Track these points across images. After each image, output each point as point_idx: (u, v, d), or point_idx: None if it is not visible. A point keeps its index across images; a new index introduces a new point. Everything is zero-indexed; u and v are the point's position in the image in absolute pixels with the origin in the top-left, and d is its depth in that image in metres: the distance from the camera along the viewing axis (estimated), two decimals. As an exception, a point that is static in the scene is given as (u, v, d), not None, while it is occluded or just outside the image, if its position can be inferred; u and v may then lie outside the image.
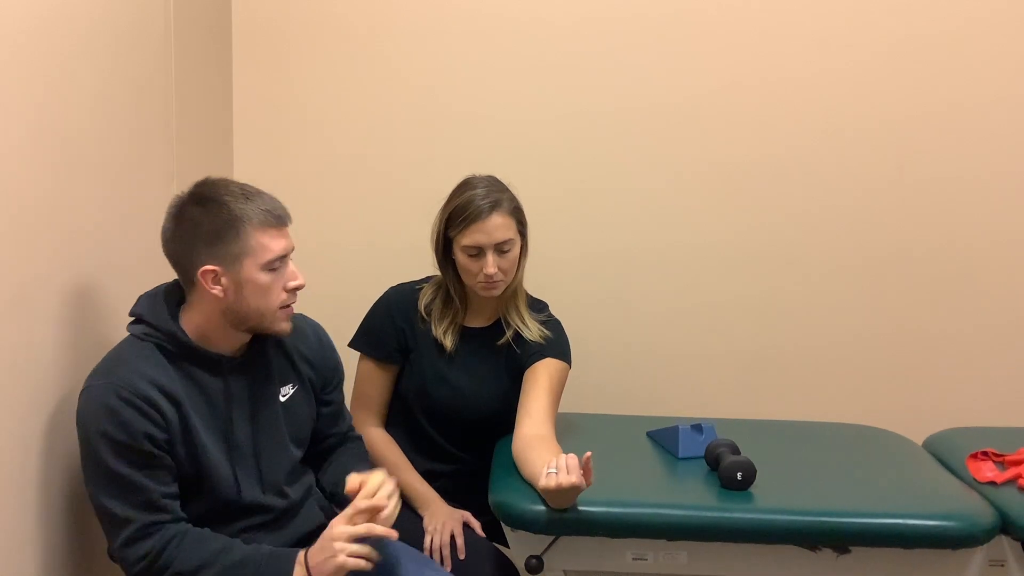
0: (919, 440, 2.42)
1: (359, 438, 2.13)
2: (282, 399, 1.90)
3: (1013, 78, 2.78)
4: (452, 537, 2.17)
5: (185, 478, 1.76)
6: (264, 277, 1.76)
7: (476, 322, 2.34)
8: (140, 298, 1.84)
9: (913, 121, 2.80)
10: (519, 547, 1.98)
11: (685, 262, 2.87)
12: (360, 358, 2.34)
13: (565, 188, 2.83)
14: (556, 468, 1.84)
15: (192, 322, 1.80)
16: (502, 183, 2.26)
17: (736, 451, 2.06)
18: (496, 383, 2.31)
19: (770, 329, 2.90)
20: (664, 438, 2.26)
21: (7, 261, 1.66)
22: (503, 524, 1.99)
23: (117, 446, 1.68)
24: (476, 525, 2.24)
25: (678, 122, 2.82)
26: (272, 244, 1.76)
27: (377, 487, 1.76)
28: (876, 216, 2.84)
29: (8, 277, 1.66)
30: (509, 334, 2.31)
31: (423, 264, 2.33)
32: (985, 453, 2.22)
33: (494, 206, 2.19)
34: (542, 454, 1.99)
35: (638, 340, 2.90)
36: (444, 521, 2.20)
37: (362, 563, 1.71)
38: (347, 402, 2.16)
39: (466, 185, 2.25)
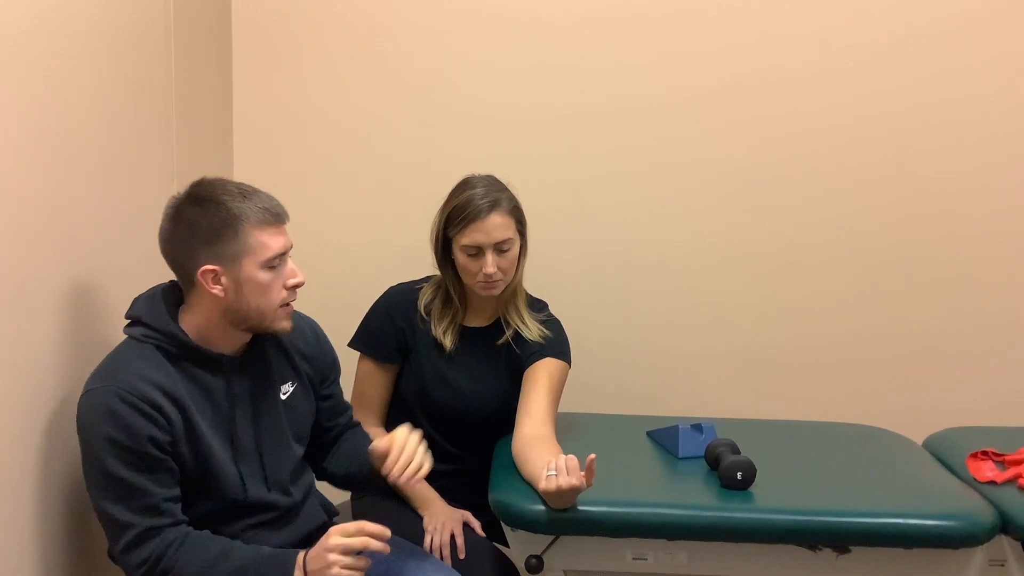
0: (919, 440, 2.42)
1: (359, 424, 2.13)
2: (283, 397, 1.90)
3: (1013, 78, 2.78)
4: (452, 537, 2.17)
5: (190, 479, 1.76)
6: (264, 275, 1.76)
7: (476, 322, 2.34)
8: (136, 300, 1.84)
9: (913, 121, 2.80)
10: (519, 547, 1.99)
11: (685, 262, 2.87)
12: (360, 358, 2.34)
13: (565, 188, 2.83)
14: (556, 470, 1.84)
15: (192, 323, 1.80)
16: (501, 183, 2.26)
17: (736, 451, 2.06)
18: (496, 383, 2.31)
19: (770, 329, 2.90)
20: (664, 438, 2.26)
21: (7, 261, 1.66)
22: (503, 524, 1.99)
23: (120, 450, 1.67)
24: (476, 525, 2.24)
25: (678, 122, 2.82)
26: (271, 242, 1.76)
27: (406, 439, 1.82)
28: (876, 216, 2.84)
29: (8, 277, 1.66)
30: (509, 334, 2.31)
31: (423, 264, 2.33)
32: (985, 453, 2.22)
33: (493, 205, 2.19)
34: (542, 454, 1.99)
35: (638, 340, 2.90)
36: (444, 521, 2.20)
37: (356, 575, 1.71)
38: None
39: (465, 184, 2.25)
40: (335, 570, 1.69)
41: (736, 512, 1.93)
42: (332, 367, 2.03)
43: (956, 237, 2.84)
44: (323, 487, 2.07)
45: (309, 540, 1.92)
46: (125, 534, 1.69)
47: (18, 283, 1.69)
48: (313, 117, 2.84)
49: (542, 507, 1.91)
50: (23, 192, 1.70)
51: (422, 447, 1.86)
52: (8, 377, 1.67)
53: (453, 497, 2.27)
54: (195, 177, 1.83)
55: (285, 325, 1.84)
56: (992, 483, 2.09)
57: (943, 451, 2.31)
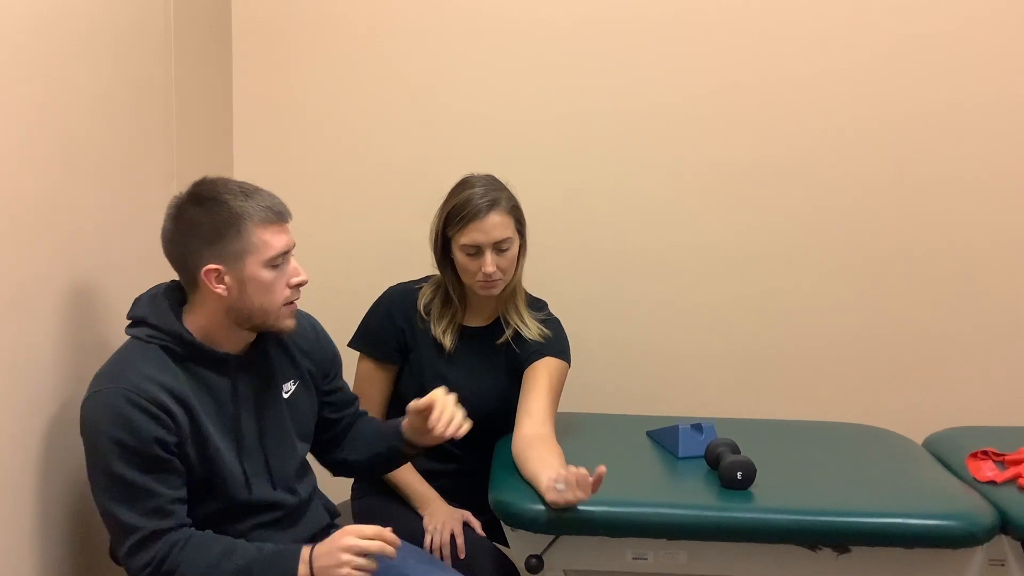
0: (919, 440, 2.42)
1: (366, 412, 2.13)
2: (285, 396, 1.90)
3: (1013, 78, 2.78)
4: (452, 536, 2.17)
5: (196, 479, 1.76)
6: (267, 274, 1.76)
7: (475, 321, 2.34)
8: (138, 300, 1.83)
9: (913, 121, 2.80)
10: (519, 546, 1.99)
11: (685, 262, 2.87)
12: (360, 358, 2.34)
13: (565, 188, 2.83)
14: (564, 483, 1.84)
15: (196, 323, 1.80)
16: (500, 182, 2.27)
17: (736, 451, 2.06)
18: (495, 382, 2.31)
19: (770, 329, 2.90)
20: (664, 438, 2.26)
21: (7, 261, 1.66)
22: (503, 523, 1.99)
23: (127, 451, 1.67)
24: (476, 524, 2.24)
25: (678, 122, 2.82)
26: (274, 240, 1.76)
27: (445, 397, 1.89)
28: (876, 216, 2.84)
29: (8, 277, 1.66)
30: (508, 333, 2.31)
31: (423, 264, 2.33)
32: (985, 452, 2.22)
33: (492, 205, 2.19)
34: (542, 454, 2.00)
35: (638, 340, 2.90)
36: (444, 521, 2.20)
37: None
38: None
39: (464, 184, 2.25)
40: (346, 570, 1.69)
41: (736, 512, 1.93)
42: (333, 362, 2.03)
43: (956, 237, 2.84)
44: (324, 487, 2.07)
45: (313, 541, 1.92)
46: (130, 537, 1.68)
47: (18, 283, 1.69)
48: (313, 117, 2.84)
49: (542, 507, 1.91)
50: (23, 192, 1.70)
51: (459, 407, 1.91)
52: (8, 377, 1.67)
53: (453, 497, 2.27)
54: (195, 177, 1.83)
55: (289, 324, 1.84)
56: (992, 483, 2.09)
57: (943, 451, 2.31)
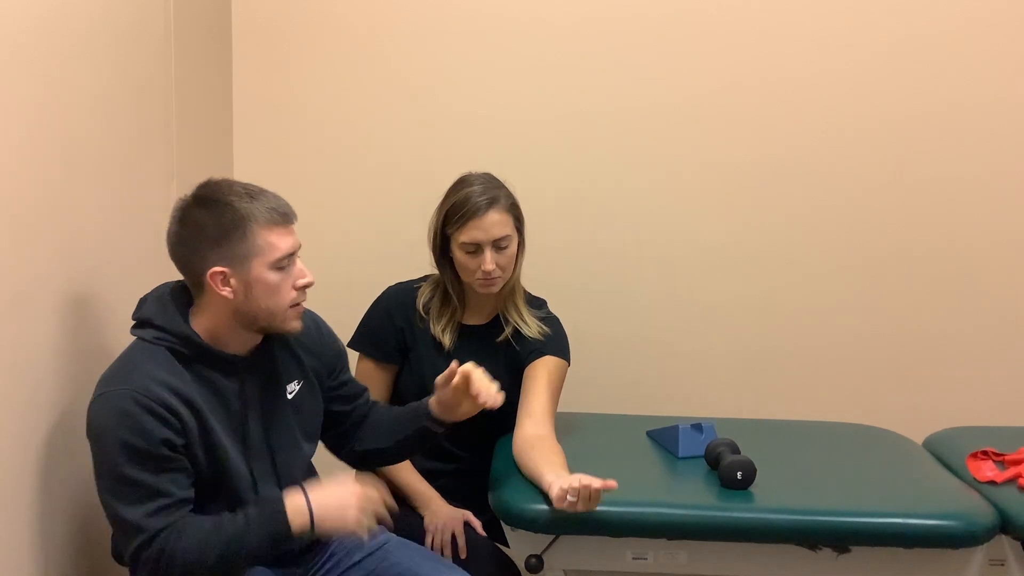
0: (919, 440, 2.42)
1: (376, 402, 2.13)
2: (289, 396, 1.90)
3: (1013, 78, 2.78)
4: (453, 536, 2.17)
5: (204, 480, 1.75)
6: (273, 276, 1.76)
7: (474, 319, 2.34)
8: (144, 301, 1.83)
9: (913, 121, 2.80)
10: (519, 546, 1.99)
11: (685, 262, 2.87)
12: (359, 358, 2.34)
13: (565, 188, 2.83)
14: (576, 496, 1.84)
15: (203, 324, 1.79)
16: (498, 180, 2.27)
17: (736, 450, 2.06)
18: (495, 380, 2.31)
19: (770, 329, 2.89)
20: (664, 437, 2.26)
21: (7, 261, 1.66)
22: (503, 523, 1.99)
23: (135, 453, 1.66)
24: (477, 524, 2.24)
25: (678, 122, 2.82)
26: (279, 242, 1.76)
27: (477, 370, 1.93)
28: (876, 216, 2.84)
29: (8, 277, 1.66)
30: (508, 331, 2.31)
31: (423, 263, 2.33)
32: (985, 452, 2.22)
33: (491, 203, 2.20)
34: (544, 454, 2.00)
35: (638, 340, 2.90)
36: (445, 521, 2.20)
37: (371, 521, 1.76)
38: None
39: (463, 182, 2.25)
40: (353, 512, 1.72)
41: (736, 512, 1.93)
42: (338, 357, 2.02)
43: (956, 237, 2.84)
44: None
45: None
46: (137, 537, 1.67)
47: (18, 284, 1.69)
48: (313, 117, 2.84)
49: (542, 507, 1.91)
50: (23, 192, 1.70)
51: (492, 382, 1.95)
52: (8, 378, 1.67)
53: (453, 496, 2.27)
54: (195, 177, 1.83)
55: (295, 325, 1.84)
56: (992, 483, 2.09)
57: (943, 451, 2.31)
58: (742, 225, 2.85)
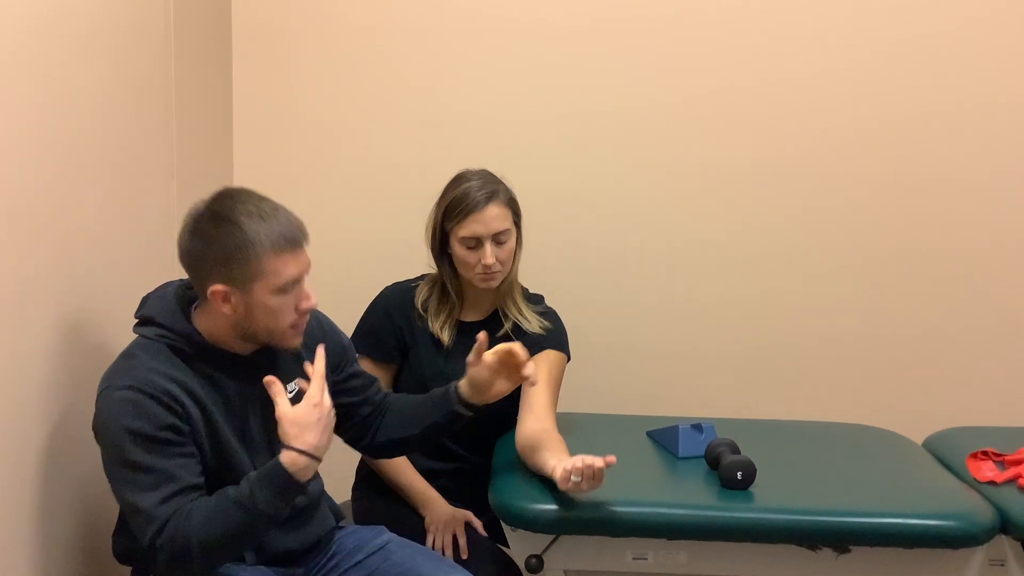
0: (919, 440, 2.42)
1: (388, 391, 2.12)
2: (290, 396, 1.89)
3: (1013, 78, 2.78)
4: (454, 536, 2.17)
5: (209, 473, 1.75)
6: (275, 300, 1.74)
7: (473, 316, 2.34)
8: (147, 299, 1.83)
9: (913, 121, 2.80)
10: (519, 546, 1.99)
11: (685, 262, 2.87)
12: (359, 358, 2.34)
13: (565, 188, 2.83)
14: (581, 476, 1.84)
15: (205, 325, 1.79)
16: (495, 175, 2.27)
17: (736, 450, 2.06)
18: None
19: (770, 329, 2.89)
20: (664, 438, 2.26)
21: (7, 261, 1.66)
22: (503, 523, 1.99)
23: (141, 438, 1.66)
24: (478, 524, 2.24)
25: (678, 122, 2.82)
26: (284, 269, 1.73)
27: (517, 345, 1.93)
28: (876, 216, 2.84)
29: (8, 277, 1.66)
30: (508, 326, 2.30)
31: (422, 263, 2.33)
32: (985, 453, 2.22)
33: (490, 197, 2.20)
34: (550, 447, 2.00)
35: (638, 339, 2.90)
36: (446, 521, 2.20)
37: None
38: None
39: (461, 178, 2.25)
40: (323, 416, 1.72)
41: (736, 512, 1.93)
42: (344, 353, 2.01)
43: (956, 237, 2.84)
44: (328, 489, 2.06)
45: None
46: (152, 524, 1.66)
47: (17, 283, 1.69)
48: (313, 117, 2.84)
49: (542, 507, 1.91)
50: (23, 192, 1.70)
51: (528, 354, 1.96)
52: (8, 377, 1.67)
53: (454, 496, 2.27)
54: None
55: (295, 343, 1.83)
56: (992, 483, 2.09)
57: (943, 451, 2.31)
58: (742, 225, 2.85)
